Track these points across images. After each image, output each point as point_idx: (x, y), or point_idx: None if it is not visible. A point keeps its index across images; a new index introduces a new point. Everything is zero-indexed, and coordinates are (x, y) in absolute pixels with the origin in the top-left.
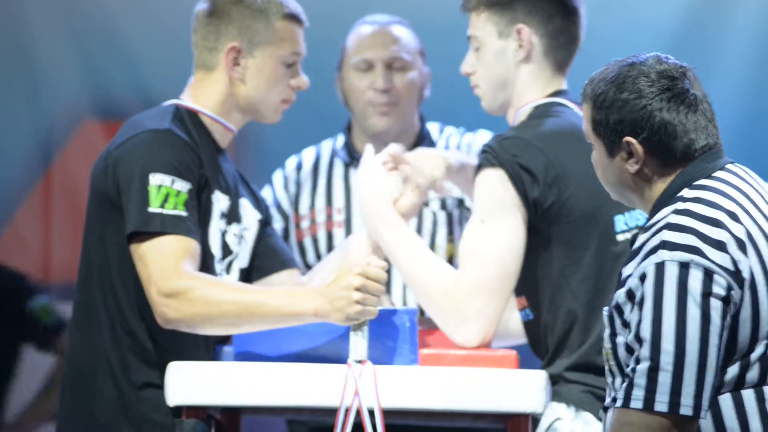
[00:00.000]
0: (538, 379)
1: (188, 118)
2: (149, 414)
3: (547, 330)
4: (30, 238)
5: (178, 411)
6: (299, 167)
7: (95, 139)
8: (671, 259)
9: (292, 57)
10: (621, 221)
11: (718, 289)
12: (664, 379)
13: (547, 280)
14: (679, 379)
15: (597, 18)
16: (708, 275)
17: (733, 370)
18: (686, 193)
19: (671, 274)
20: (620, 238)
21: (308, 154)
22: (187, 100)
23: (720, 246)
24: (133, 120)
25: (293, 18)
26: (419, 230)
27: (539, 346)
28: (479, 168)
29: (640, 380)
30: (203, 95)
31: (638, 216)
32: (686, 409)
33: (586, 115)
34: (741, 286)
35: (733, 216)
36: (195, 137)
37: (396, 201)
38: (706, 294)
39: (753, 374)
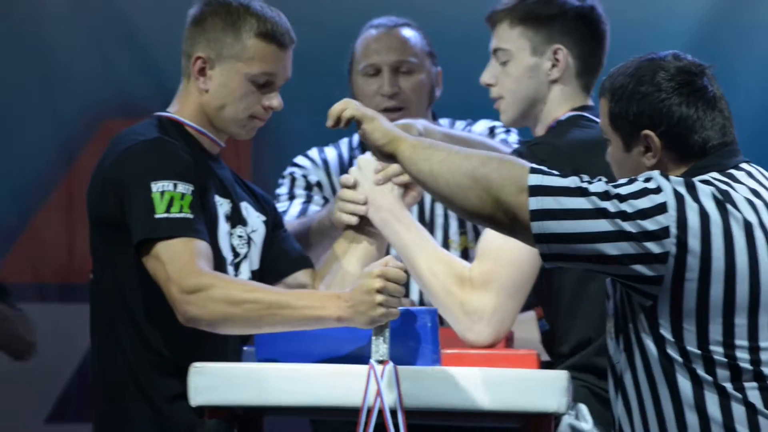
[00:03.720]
0: (560, 378)
1: (173, 129)
2: (188, 421)
3: (562, 339)
4: (51, 240)
5: (201, 411)
6: (325, 161)
7: None
8: None
9: (263, 77)
10: None
11: None
12: None
13: (564, 290)
14: None
15: (618, 19)
16: None
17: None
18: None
19: None
20: None
21: (330, 151)
22: (172, 110)
23: None
24: (118, 136)
25: (268, 38)
26: (431, 226)
27: (554, 356)
28: None
29: None
30: (184, 105)
31: None
32: None
33: (604, 110)
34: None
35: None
36: (183, 145)
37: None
38: None
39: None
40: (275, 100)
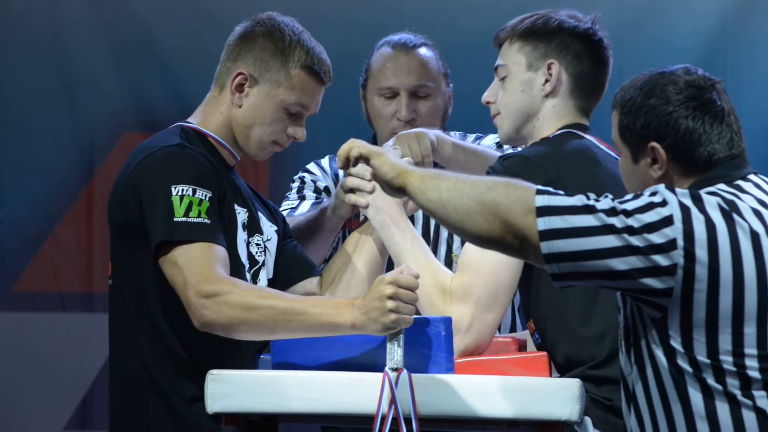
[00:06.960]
0: (572, 386)
1: (195, 138)
2: (205, 424)
3: (554, 351)
4: (72, 250)
5: (219, 418)
6: (335, 171)
7: None
8: None
9: (296, 107)
10: None
11: None
12: None
13: (550, 300)
14: None
15: (628, 33)
16: None
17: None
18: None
19: None
20: None
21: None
22: (194, 120)
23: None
24: (141, 146)
25: (312, 72)
26: (436, 240)
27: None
28: None
29: None
30: (209, 116)
31: None
32: None
33: (615, 122)
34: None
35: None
36: (204, 154)
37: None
38: None
39: None
40: (300, 132)
